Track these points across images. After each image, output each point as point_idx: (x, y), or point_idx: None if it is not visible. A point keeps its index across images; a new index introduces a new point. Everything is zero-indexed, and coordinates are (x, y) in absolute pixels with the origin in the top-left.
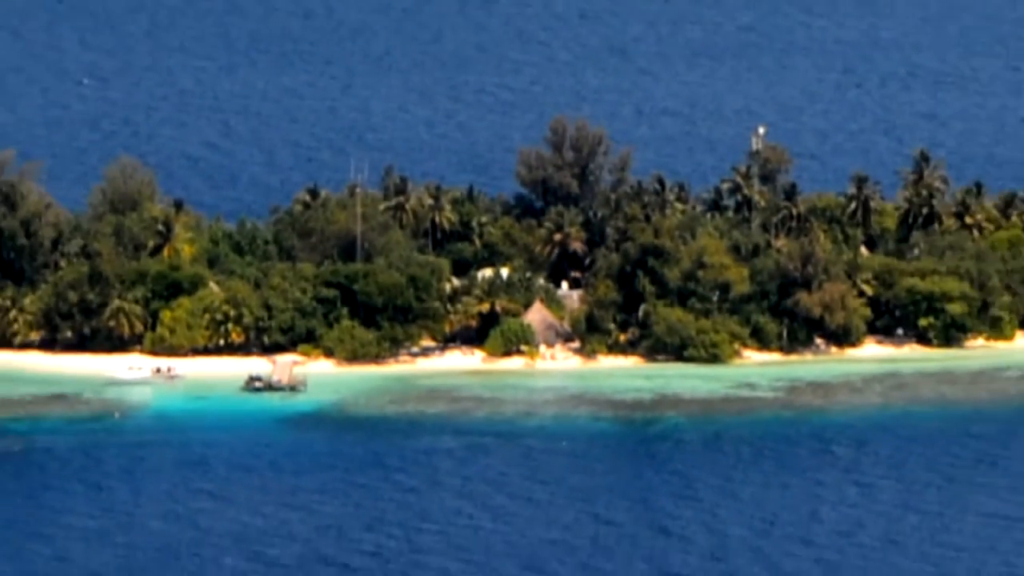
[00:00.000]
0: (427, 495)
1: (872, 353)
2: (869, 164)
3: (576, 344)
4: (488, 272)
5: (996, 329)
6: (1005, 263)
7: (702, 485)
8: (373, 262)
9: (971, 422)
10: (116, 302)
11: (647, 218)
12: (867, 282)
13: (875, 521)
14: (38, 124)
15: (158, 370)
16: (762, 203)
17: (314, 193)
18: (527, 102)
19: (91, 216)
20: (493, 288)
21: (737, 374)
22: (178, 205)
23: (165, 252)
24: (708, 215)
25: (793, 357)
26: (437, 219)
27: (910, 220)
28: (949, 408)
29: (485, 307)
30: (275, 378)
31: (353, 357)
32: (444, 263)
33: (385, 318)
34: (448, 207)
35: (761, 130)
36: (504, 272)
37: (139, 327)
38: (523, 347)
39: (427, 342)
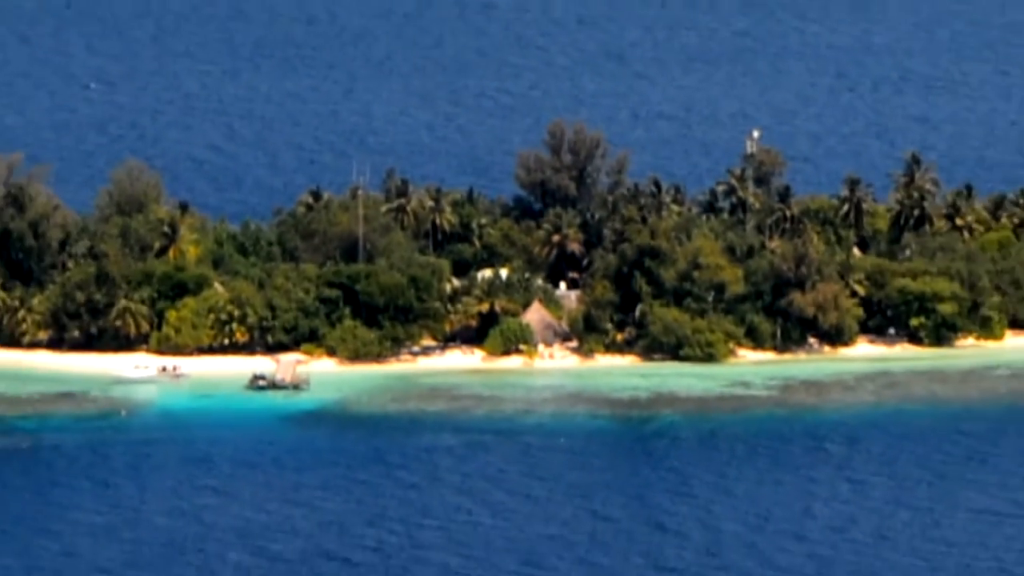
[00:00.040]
0: (428, 491)
1: (864, 352)
2: (861, 167)
3: (574, 343)
4: (487, 273)
5: (986, 329)
6: (995, 264)
7: (697, 481)
8: (375, 263)
9: (961, 420)
10: (122, 302)
11: (643, 220)
12: (859, 282)
13: (867, 517)
14: (46, 128)
15: (164, 369)
16: (756, 205)
17: (317, 195)
18: (526, 106)
19: (98, 218)
20: (492, 288)
21: (732, 373)
22: (183, 207)
23: (171, 253)
24: (703, 217)
25: (787, 356)
26: (438, 221)
27: (902, 222)
28: (940, 406)
29: (485, 307)
30: (279, 377)
31: (355, 356)
32: (444, 264)
33: (386, 318)
34: (448, 209)
35: (755, 133)
36: (503, 273)
37: (145, 327)
38: (522, 346)
39: (428, 341)
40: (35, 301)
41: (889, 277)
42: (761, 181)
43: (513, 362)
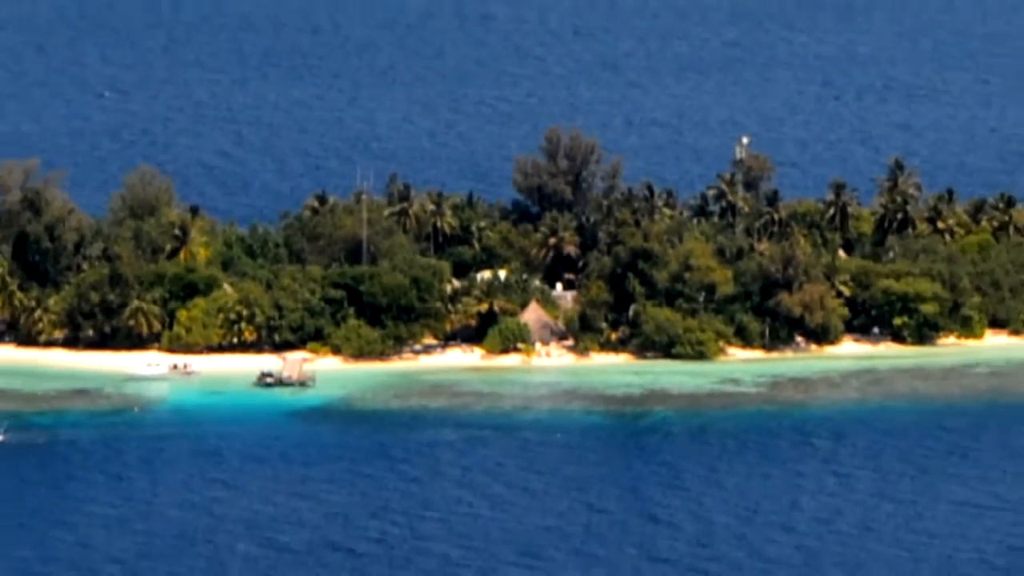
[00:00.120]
0: (429, 485)
1: (850, 351)
2: (847, 172)
3: (570, 342)
4: (487, 274)
5: (967, 328)
6: (975, 265)
7: (689, 475)
8: (378, 264)
9: (943, 416)
10: (135, 302)
11: (637, 223)
12: (845, 283)
13: (852, 509)
14: (62, 134)
15: (175, 367)
16: (745, 209)
17: (322, 199)
18: (524, 113)
19: (112, 221)
20: (491, 289)
21: (722, 370)
22: (194, 211)
23: (182, 255)
24: (694, 220)
25: (775, 354)
26: (438, 224)
27: (885, 225)
28: (922, 403)
29: (484, 307)
30: (285, 374)
31: (359, 354)
32: (445, 265)
33: (389, 317)
34: (449, 212)
35: (745, 140)
36: (502, 274)
37: (157, 326)
38: (520, 345)
39: (429, 340)
40: (51, 301)
41: (873, 278)
42: (750, 186)
43: (511, 360)
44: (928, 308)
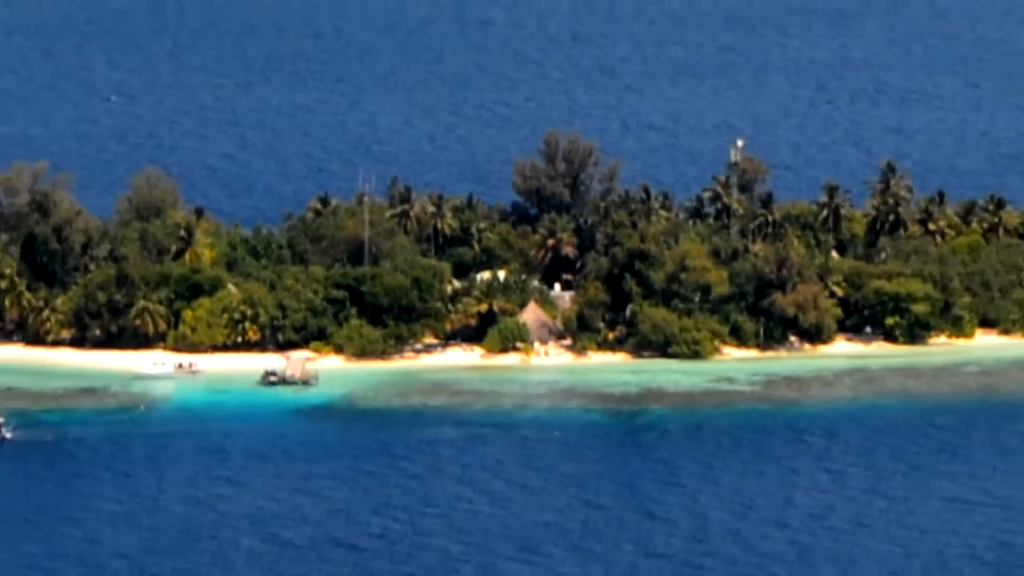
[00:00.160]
0: (430, 481)
1: (842, 350)
2: (840, 174)
3: (568, 341)
4: (486, 275)
5: (957, 328)
6: (966, 266)
7: (684, 472)
8: (380, 265)
9: (934, 414)
10: (141, 302)
11: (634, 224)
12: (838, 284)
13: (845, 505)
14: (69, 137)
15: (180, 365)
16: (740, 211)
17: (325, 201)
18: (522, 117)
19: (118, 223)
20: (491, 289)
21: (717, 369)
22: (199, 212)
23: (187, 256)
24: (690, 222)
25: (769, 354)
26: (439, 225)
27: (877, 226)
28: (914, 401)
29: (483, 307)
30: (289, 373)
31: (361, 353)
32: (445, 266)
33: (391, 317)
34: (449, 214)
35: (739, 143)
36: (501, 275)
37: (163, 326)
38: (519, 344)
39: (430, 339)
40: (59, 301)
41: (866, 279)
42: (745, 188)
43: (510, 359)
44: (919, 308)
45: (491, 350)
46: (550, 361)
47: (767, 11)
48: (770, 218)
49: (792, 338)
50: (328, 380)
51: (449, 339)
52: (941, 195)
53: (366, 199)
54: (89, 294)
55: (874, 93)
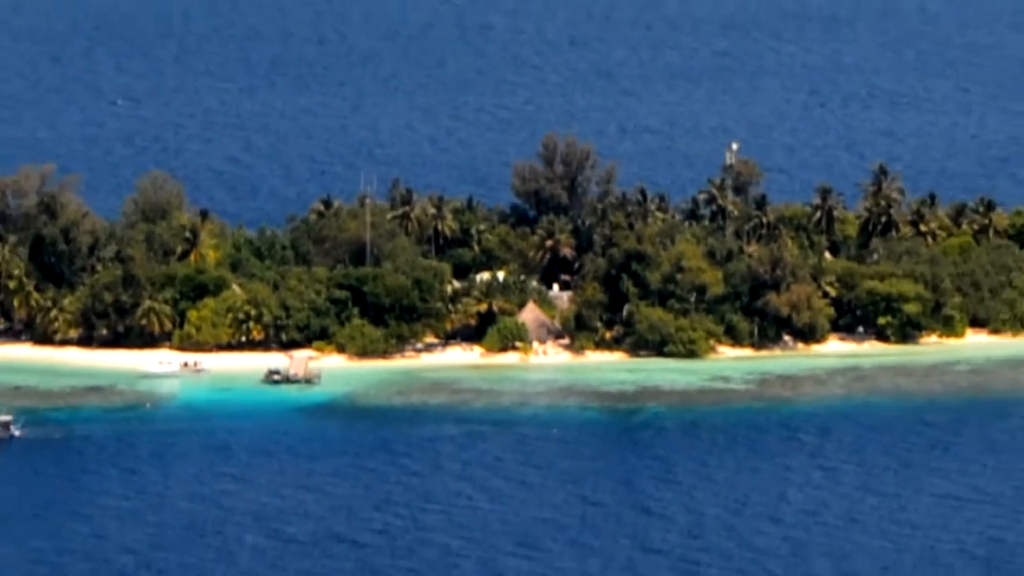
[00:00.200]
0: (430, 478)
1: (835, 349)
2: (832, 177)
3: (566, 341)
4: (486, 275)
5: (948, 327)
6: (956, 267)
7: (680, 469)
8: (381, 266)
9: (925, 412)
10: (147, 302)
11: (630, 226)
12: (831, 284)
13: (838, 502)
14: (76, 140)
15: (185, 364)
16: (735, 212)
17: (327, 203)
18: (521, 120)
19: (124, 224)
20: (490, 290)
21: (712, 368)
22: (204, 214)
23: (192, 257)
24: (686, 223)
25: (763, 352)
26: (439, 227)
27: (870, 228)
28: (905, 399)
29: (483, 307)
30: (292, 371)
31: (363, 353)
32: (446, 267)
33: (392, 317)
34: (449, 216)
35: (734, 146)
36: (500, 275)
37: (168, 325)
38: (518, 343)
39: (430, 339)
40: (66, 301)
41: (858, 279)
42: (739, 190)
43: (509, 358)
44: (911, 308)
45: (490, 349)
46: (548, 360)
47: (761, 17)
48: (764, 220)
49: (786, 337)
50: (330, 379)
51: (449, 338)
52: (932, 197)
53: (368, 201)
54: (96, 294)
55: (866, 97)
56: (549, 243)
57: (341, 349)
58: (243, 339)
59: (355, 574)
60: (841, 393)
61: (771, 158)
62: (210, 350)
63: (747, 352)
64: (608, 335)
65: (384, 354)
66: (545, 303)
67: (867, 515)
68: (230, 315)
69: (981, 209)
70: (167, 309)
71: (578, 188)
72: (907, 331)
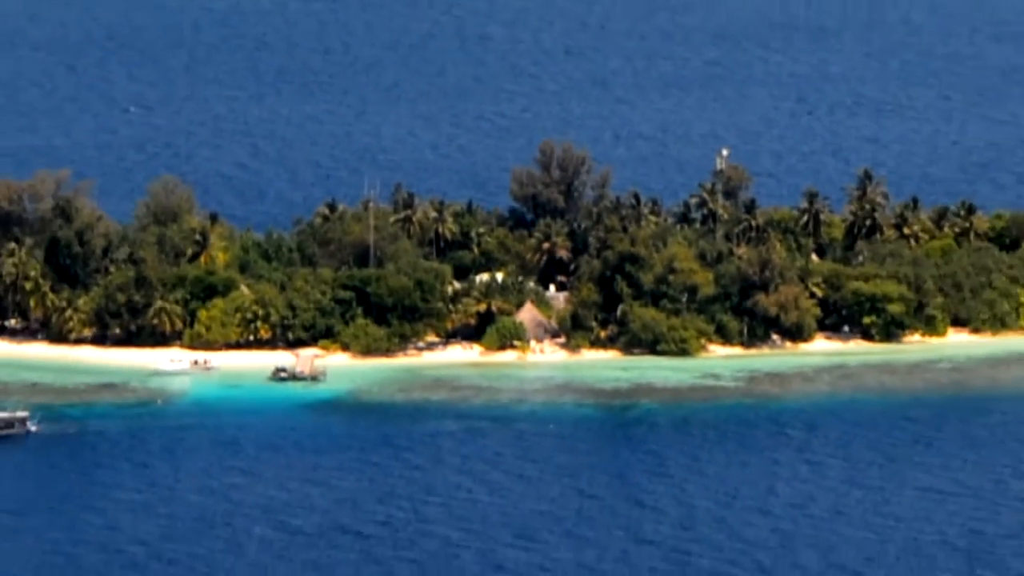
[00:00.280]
0: (431, 472)
1: (822, 347)
2: (819, 182)
3: (562, 340)
4: (485, 276)
5: (931, 326)
6: (938, 269)
7: (672, 463)
8: (384, 267)
9: (909, 408)
10: (159, 303)
11: (624, 229)
12: (817, 285)
13: (824, 495)
14: (90, 147)
15: (195, 362)
16: (725, 216)
17: (332, 207)
18: (519, 127)
19: (137, 227)
20: (489, 290)
21: (703, 366)
22: (213, 217)
23: (202, 259)
24: (678, 226)
25: (752, 351)
26: (440, 230)
27: (855, 231)
28: (889, 396)
29: (482, 307)
30: (298, 369)
31: (367, 351)
32: (446, 268)
33: (395, 317)
34: (450, 219)
35: (724, 152)
36: (499, 276)
37: (179, 325)
38: (516, 342)
39: (431, 338)
40: (81, 302)
41: (844, 280)
42: (729, 194)
43: (508, 356)
44: (895, 308)
45: (489, 348)
46: (545, 358)
47: (751, 27)
48: (753, 223)
49: (774, 336)
50: (335, 376)
51: (450, 337)
52: (915, 201)
53: (371, 205)
54: (109, 295)
55: (852, 105)
56: (546, 245)
57: (346, 347)
58: (251, 338)
59: (359, 565)
60: (827, 390)
61: (760, 164)
62: (219, 348)
63: (737, 350)
64: (603, 334)
65: (387, 352)
66: (542, 303)
67: (852, 508)
68: (238, 315)
69: (962, 213)
70: (178, 309)
71: (574, 192)
72: (891, 330)
